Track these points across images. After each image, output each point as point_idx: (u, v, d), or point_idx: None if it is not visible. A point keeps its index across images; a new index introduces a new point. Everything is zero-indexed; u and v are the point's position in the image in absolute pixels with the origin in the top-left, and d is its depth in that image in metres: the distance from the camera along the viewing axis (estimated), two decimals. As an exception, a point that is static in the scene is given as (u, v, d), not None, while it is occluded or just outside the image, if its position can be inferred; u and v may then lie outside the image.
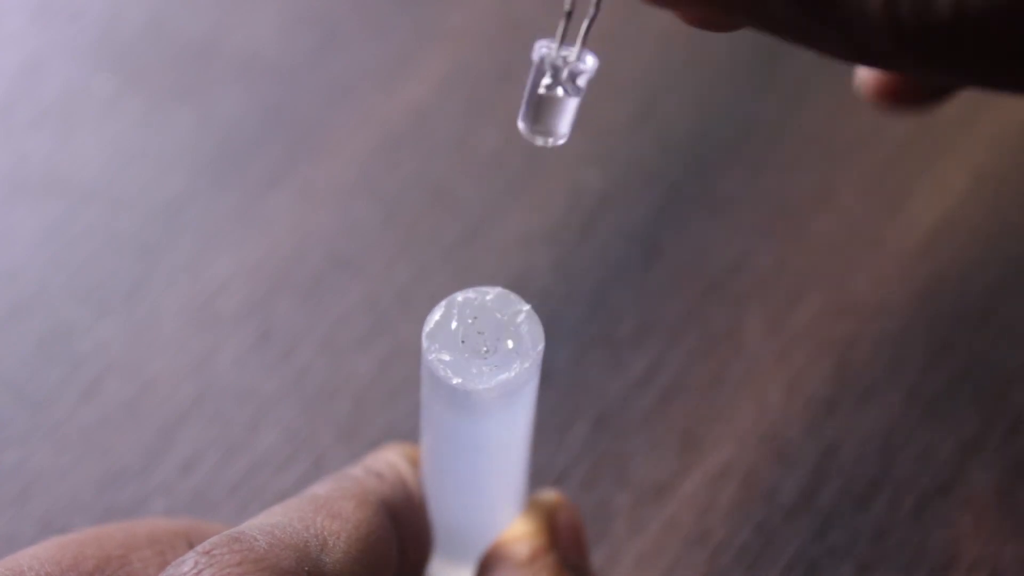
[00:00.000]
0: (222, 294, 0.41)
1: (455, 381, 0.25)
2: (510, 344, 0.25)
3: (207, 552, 0.24)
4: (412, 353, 0.40)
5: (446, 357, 0.25)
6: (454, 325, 0.25)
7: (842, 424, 0.39)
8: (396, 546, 0.28)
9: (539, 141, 0.25)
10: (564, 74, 0.25)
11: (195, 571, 0.23)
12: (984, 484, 0.38)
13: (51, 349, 0.40)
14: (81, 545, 0.26)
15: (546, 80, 0.25)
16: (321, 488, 0.28)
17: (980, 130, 0.45)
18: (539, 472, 0.38)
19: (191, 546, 0.27)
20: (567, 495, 0.34)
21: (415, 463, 0.31)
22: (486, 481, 0.30)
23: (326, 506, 0.26)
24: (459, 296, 0.26)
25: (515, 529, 0.31)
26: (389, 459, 0.31)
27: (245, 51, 0.47)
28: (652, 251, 0.42)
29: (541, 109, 0.25)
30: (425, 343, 0.25)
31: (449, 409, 0.26)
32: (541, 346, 0.25)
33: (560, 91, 0.25)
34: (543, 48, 0.25)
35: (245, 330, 0.40)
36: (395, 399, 0.39)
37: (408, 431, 0.38)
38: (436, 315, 0.26)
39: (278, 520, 0.25)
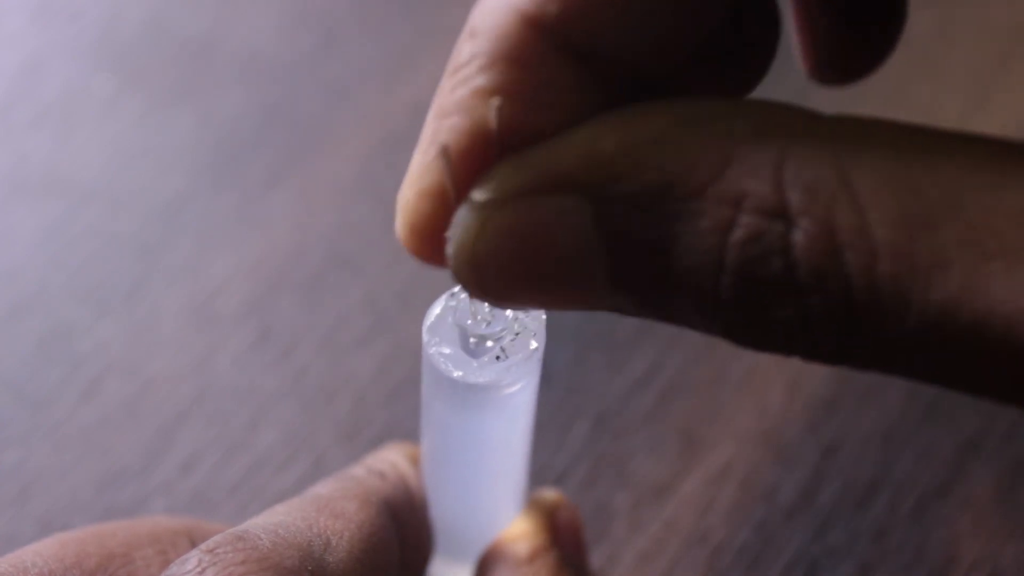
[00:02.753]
0: (222, 294, 0.41)
1: (456, 374, 0.25)
2: (511, 337, 0.25)
3: (211, 550, 0.24)
4: (412, 353, 0.40)
5: (447, 350, 0.25)
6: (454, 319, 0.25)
7: (842, 424, 0.39)
8: (398, 546, 0.28)
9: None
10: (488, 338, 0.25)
11: (199, 569, 0.23)
12: (984, 484, 0.38)
13: (51, 349, 0.40)
14: (83, 543, 0.26)
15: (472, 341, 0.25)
16: (323, 488, 0.28)
17: (980, 130, 0.45)
18: (539, 472, 0.38)
19: (193, 545, 0.27)
20: (567, 495, 0.34)
21: (416, 463, 0.31)
22: (486, 480, 0.30)
23: (329, 506, 0.26)
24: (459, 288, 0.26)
25: (515, 528, 0.31)
26: (391, 459, 0.31)
27: (245, 51, 0.47)
28: (652, 251, 0.42)
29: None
30: (426, 337, 0.25)
31: (450, 404, 0.26)
32: (543, 339, 0.25)
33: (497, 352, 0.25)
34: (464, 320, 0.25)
35: (245, 330, 0.40)
36: (395, 399, 0.39)
37: (408, 431, 0.38)
38: (437, 309, 0.26)
39: (281, 519, 0.25)
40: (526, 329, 0.25)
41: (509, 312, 0.25)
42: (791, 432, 0.39)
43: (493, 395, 0.26)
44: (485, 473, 0.30)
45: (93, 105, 0.45)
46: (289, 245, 0.42)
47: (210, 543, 0.24)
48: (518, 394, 0.26)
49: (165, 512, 0.37)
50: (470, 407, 0.26)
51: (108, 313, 0.41)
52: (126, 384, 0.39)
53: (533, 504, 0.32)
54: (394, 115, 0.45)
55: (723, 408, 0.39)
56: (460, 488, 0.30)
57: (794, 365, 0.40)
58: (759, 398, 0.39)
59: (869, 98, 0.46)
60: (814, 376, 0.40)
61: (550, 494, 0.33)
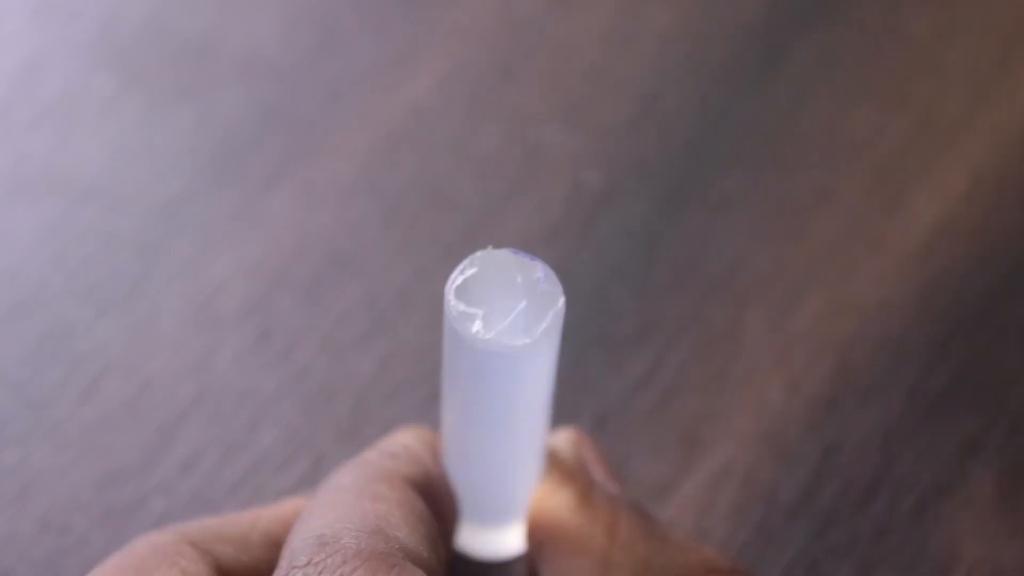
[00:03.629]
0: (221, 293, 0.41)
1: (479, 338, 0.25)
2: (534, 299, 0.25)
3: (308, 564, 0.23)
4: (412, 353, 0.40)
5: (469, 312, 0.25)
6: (477, 281, 0.26)
7: (842, 424, 0.39)
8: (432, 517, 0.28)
9: None
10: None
11: None
12: (984, 484, 0.38)
13: (51, 348, 0.40)
14: None
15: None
16: (344, 478, 0.28)
17: (980, 130, 0.45)
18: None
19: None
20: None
21: (429, 445, 0.31)
22: (510, 441, 0.30)
23: (364, 492, 0.26)
24: (479, 253, 0.26)
25: (554, 494, 0.31)
26: (403, 441, 0.31)
27: (245, 51, 0.47)
28: (652, 251, 0.42)
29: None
30: (450, 300, 0.25)
31: (472, 369, 0.27)
32: (562, 300, 0.26)
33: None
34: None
35: (245, 329, 0.40)
36: (395, 399, 0.39)
37: (408, 431, 0.38)
38: (459, 274, 0.26)
39: (335, 515, 0.25)
40: (547, 292, 0.25)
41: (536, 274, 0.25)
42: (791, 432, 0.39)
43: (516, 357, 0.26)
44: (509, 434, 0.29)
45: (93, 105, 0.45)
46: (289, 245, 0.42)
47: (298, 558, 0.24)
48: (541, 355, 0.26)
49: (165, 512, 0.37)
50: (493, 371, 0.26)
51: (108, 312, 0.41)
52: (126, 384, 0.39)
53: (556, 465, 0.31)
54: (394, 115, 0.45)
55: (723, 408, 0.39)
56: (486, 450, 0.30)
57: (794, 365, 0.40)
58: (759, 398, 0.39)
59: (870, 97, 0.46)
60: (814, 376, 0.40)
61: (563, 444, 0.32)
